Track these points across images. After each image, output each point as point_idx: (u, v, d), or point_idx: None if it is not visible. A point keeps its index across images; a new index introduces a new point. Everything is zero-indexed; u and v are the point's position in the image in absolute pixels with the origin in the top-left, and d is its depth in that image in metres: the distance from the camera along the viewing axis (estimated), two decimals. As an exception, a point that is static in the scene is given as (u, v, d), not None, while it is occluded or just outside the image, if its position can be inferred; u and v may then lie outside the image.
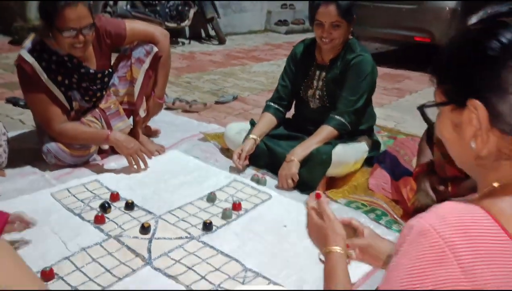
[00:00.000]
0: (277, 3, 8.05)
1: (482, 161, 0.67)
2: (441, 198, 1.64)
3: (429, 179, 1.73)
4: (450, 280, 0.57)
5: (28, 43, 2.03)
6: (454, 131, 0.70)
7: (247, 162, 2.20)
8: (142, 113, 2.37)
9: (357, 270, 1.41)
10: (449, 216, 0.61)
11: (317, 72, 2.24)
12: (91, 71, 2.16)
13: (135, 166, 2.14)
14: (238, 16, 7.15)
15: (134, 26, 2.28)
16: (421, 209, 1.61)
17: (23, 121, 2.74)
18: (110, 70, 2.26)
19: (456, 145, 0.71)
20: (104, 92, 2.28)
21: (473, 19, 1.57)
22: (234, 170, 2.20)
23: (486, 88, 0.63)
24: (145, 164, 2.17)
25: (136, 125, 2.39)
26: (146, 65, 2.28)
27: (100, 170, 2.15)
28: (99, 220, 1.69)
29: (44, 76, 2.01)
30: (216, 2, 6.12)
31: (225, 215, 1.80)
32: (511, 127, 0.63)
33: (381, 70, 4.99)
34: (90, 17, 1.97)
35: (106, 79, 2.25)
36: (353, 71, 2.11)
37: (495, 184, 0.66)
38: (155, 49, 2.28)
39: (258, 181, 2.10)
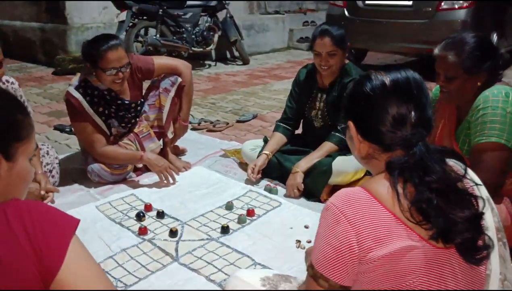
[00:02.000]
0: (298, 21, 8.39)
1: (364, 159, 1.07)
2: None
3: None
4: (343, 231, 0.92)
5: (74, 81, 2.43)
6: (349, 141, 1.09)
7: (259, 175, 2.50)
8: (170, 135, 2.75)
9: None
10: (341, 195, 0.96)
11: (319, 95, 2.54)
12: (126, 102, 2.55)
13: (165, 181, 2.49)
14: (261, 35, 7.51)
15: (160, 61, 2.68)
16: None
17: (69, 145, 3.15)
18: (142, 100, 2.66)
19: (351, 149, 1.10)
20: (137, 119, 2.66)
21: (436, 50, 1.81)
22: (249, 181, 2.52)
23: (356, 115, 1.04)
24: (173, 179, 2.52)
25: (166, 146, 2.76)
26: (172, 93, 2.67)
27: (135, 185, 2.52)
28: (142, 232, 2.01)
29: (88, 109, 2.41)
30: (240, 24, 6.51)
31: (240, 220, 2.11)
32: (371, 138, 1.02)
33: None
34: (127, 57, 2.38)
35: (139, 108, 2.64)
36: None
37: (377, 174, 1.03)
38: (179, 79, 2.67)
39: (270, 191, 2.42)
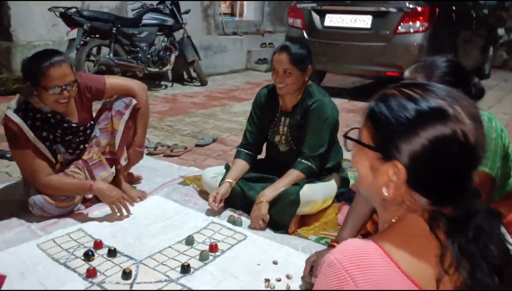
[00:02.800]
0: (256, 43, 8.35)
1: (385, 202, 0.83)
2: None
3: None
4: None
5: (13, 103, 2.17)
6: (370, 171, 0.83)
7: (222, 205, 2.32)
8: (123, 162, 2.51)
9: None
10: (349, 250, 0.77)
11: (282, 119, 2.41)
12: (73, 125, 2.31)
13: (118, 214, 2.26)
14: (219, 56, 7.39)
15: (113, 81, 2.46)
16: None
17: (10, 173, 2.85)
18: (92, 122, 2.42)
19: (368, 183, 0.85)
20: (86, 145, 2.42)
21: (406, 73, 1.76)
22: (211, 211, 2.33)
23: (414, 159, 0.76)
24: (128, 211, 2.29)
25: (119, 174, 2.52)
26: (125, 116, 2.44)
27: (84, 218, 2.26)
28: (90, 274, 1.77)
29: (30, 134, 2.15)
30: (197, 44, 6.36)
31: (202, 257, 1.92)
32: (420, 190, 0.78)
33: (357, 104, 5.24)
34: (72, 74, 2.15)
35: (88, 131, 2.40)
36: (313, 116, 2.27)
37: (393, 220, 0.82)
38: (134, 101, 2.45)
39: (234, 222, 2.23)
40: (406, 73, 1.72)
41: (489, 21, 7.30)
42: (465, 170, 0.77)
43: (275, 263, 1.89)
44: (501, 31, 8.87)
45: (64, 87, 2.11)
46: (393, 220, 0.82)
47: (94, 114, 2.50)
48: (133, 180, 2.75)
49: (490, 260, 0.73)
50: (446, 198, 0.77)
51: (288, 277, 1.79)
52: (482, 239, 0.74)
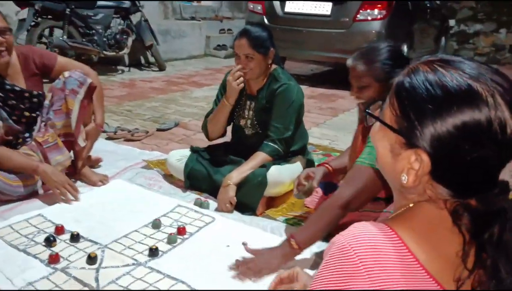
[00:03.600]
0: (215, 29, 8.25)
1: (404, 189, 0.74)
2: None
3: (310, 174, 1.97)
4: (360, 287, 0.68)
5: None
6: (390, 155, 0.75)
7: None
8: (81, 142, 2.38)
9: None
10: (364, 236, 0.70)
11: (248, 102, 2.39)
12: (17, 88, 2.20)
13: (62, 198, 2.16)
14: (177, 41, 7.25)
15: (65, 60, 2.38)
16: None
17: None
18: (40, 92, 2.29)
19: (386, 164, 0.77)
20: (34, 115, 2.28)
21: (348, 61, 1.80)
22: (177, 195, 2.28)
23: (439, 151, 0.68)
24: (75, 196, 2.19)
25: (78, 157, 2.42)
26: (80, 96, 2.31)
27: (43, 204, 2.16)
28: (53, 260, 1.68)
29: None
30: (155, 29, 6.21)
31: (170, 240, 1.88)
32: (443, 183, 0.70)
33: (316, 90, 5.29)
34: (5, 22, 2.11)
35: (35, 100, 2.27)
36: (279, 100, 2.26)
37: (411, 205, 0.74)
38: (89, 80, 2.33)
39: (201, 205, 2.20)
40: (348, 62, 1.76)
41: (442, 12, 7.54)
42: (496, 163, 0.68)
43: (244, 244, 1.88)
44: (452, 22, 9.20)
45: None
46: (411, 205, 0.75)
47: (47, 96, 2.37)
48: (93, 163, 2.64)
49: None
50: (472, 191, 0.69)
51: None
52: (508, 237, 0.68)
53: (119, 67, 6.09)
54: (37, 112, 2.31)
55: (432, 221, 0.72)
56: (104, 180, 2.42)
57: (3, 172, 2.11)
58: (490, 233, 0.68)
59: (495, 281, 0.67)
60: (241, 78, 2.24)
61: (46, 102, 2.33)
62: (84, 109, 2.35)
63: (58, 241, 1.83)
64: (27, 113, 2.27)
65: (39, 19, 4.85)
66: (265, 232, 1.99)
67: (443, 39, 7.79)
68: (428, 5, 6.49)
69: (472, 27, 9.36)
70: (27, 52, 2.26)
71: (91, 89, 2.35)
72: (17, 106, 2.21)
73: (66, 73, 2.30)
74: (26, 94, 2.23)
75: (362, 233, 0.71)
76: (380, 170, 0.82)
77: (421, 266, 0.68)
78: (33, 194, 2.20)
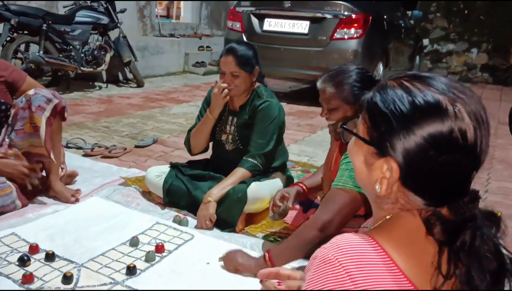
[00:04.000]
0: (194, 46, 8.28)
1: (379, 199, 0.79)
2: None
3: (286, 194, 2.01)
4: None
5: None
6: (364, 165, 0.80)
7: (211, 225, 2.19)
8: (54, 157, 2.29)
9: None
10: (347, 246, 0.72)
11: (230, 118, 2.40)
12: None
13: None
14: (156, 58, 7.24)
15: (35, 83, 2.38)
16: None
17: None
18: (4, 106, 2.26)
19: (362, 176, 0.81)
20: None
21: (318, 83, 1.84)
22: (155, 212, 2.26)
23: (406, 158, 0.72)
24: (34, 186, 2.21)
25: (49, 174, 2.36)
26: (47, 113, 2.25)
27: (17, 222, 2.10)
28: (27, 280, 1.64)
29: None
30: (133, 45, 6.19)
31: (149, 258, 1.85)
32: (414, 190, 0.74)
33: (295, 107, 5.34)
34: None
35: (2, 107, 2.24)
36: (260, 116, 2.28)
37: (388, 217, 0.78)
38: (56, 100, 2.28)
39: (180, 222, 2.18)
40: (318, 84, 1.79)
41: (416, 32, 7.75)
42: (463, 172, 0.72)
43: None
44: (426, 41, 9.46)
45: None
46: (388, 217, 0.78)
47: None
48: (67, 179, 2.59)
49: (486, 266, 0.70)
50: (442, 199, 0.73)
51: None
52: (479, 244, 0.71)
53: (96, 84, 6.03)
54: (4, 125, 2.27)
55: (409, 231, 0.75)
56: (76, 194, 2.37)
57: None
58: (462, 240, 0.70)
59: (466, 284, 0.69)
60: (226, 91, 2.25)
61: (10, 120, 2.29)
62: (50, 127, 2.28)
63: (32, 260, 1.78)
64: None
65: (15, 34, 4.78)
66: (245, 249, 1.97)
67: (417, 58, 7.99)
68: (402, 24, 6.66)
69: (445, 47, 9.64)
70: None
71: (57, 108, 2.29)
72: None
73: (32, 91, 2.26)
74: None
75: (345, 244, 0.72)
76: (359, 184, 0.85)
77: (402, 273, 0.70)
78: (8, 209, 2.15)
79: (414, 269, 0.71)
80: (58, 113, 2.32)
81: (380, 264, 0.70)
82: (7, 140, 2.24)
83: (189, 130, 2.49)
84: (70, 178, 2.61)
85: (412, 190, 0.74)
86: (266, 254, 1.66)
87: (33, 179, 2.20)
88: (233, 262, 1.75)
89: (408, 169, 0.73)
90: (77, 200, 2.35)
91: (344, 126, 0.89)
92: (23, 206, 2.22)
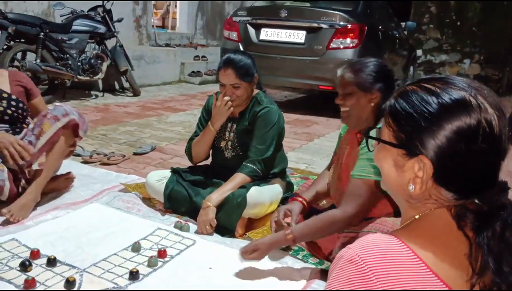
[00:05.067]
0: (190, 55, 8.31)
1: (412, 199, 0.79)
2: None
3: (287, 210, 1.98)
4: None
5: None
6: (394, 169, 0.80)
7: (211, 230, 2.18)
8: (35, 166, 2.24)
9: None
10: (372, 246, 0.72)
11: (229, 125, 2.41)
12: None
13: (11, 162, 2.14)
14: (152, 67, 7.25)
15: (43, 102, 2.59)
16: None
17: None
18: (22, 104, 2.38)
19: (393, 180, 0.82)
20: (11, 114, 2.34)
21: (338, 71, 1.89)
22: (156, 218, 2.25)
23: (439, 154, 0.74)
24: (25, 156, 2.15)
25: (30, 182, 2.27)
26: (60, 123, 2.28)
27: (17, 228, 2.09)
28: (29, 284, 1.63)
29: None
30: (130, 54, 6.20)
31: (151, 263, 1.84)
32: (447, 185, 0.75)
33: (291, 116, 5.36)
34: None
35: (13, 103, 2.35)
36: (260, 122, 2.30)
37: (417, 216, 0.78)
38: (72, 115, 2.32)
39: (181, 228, 2.17)
40: (339, 71, 1.87)
41: (410, 43, 7.83)
42: (491, 161, 0.74)
43: (227, 266, 1.86)
44: (419, 52, 9.56)
45: None
46: (416, 217, 0.78)
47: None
48: (65, 184, 2.54)
49: None
50: (473, 191, 0.74)
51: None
52: (510, 233, 0.71)
53: (92, 92, 6.02)
54: (14, 114, 2.36)
55: (438, 228, 0.75)
56: (69, 178, 2.46)
57: None
58: (493, 230, 0.71)
59: (497, 275, 0.69)
60: (230, 103, 2.26)
61: (31, 125, 2.35)
62: (57, 137, 2.29)
63: (34, 265, 1.77)
64: (0, 108, 2.31)
65: (12, 42, 4.77)
66: (247, 254, 1.97)
67: (411, 68, 8.06)
68: (396, 35, 6.73)
69: (438, 58, 9.75)
70: (19, 73, 2.52)
71: (72, 124, 2.32)
72: None
73: (58, 103, 2.40)
74: (4, 95, 2.33)
75: (371, 244, 0.73)
76: (387, 189, 0.86)
77: (431, 271, 0.70)
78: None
79: (446, 267, 0.71)
80: (71, 129, 2.34)
81: (408, 263, 0.70)
82: (26, 141, 2.24)
83: (190, 139, 2.50)
84: (67, 181, 2.58)
85: (445, 184, 0.75)
86: (288, 230, 1.73)
87: (18, 159, 2.14)
88: (252, 245, 1.78)
89: (441, 164, 0.74)
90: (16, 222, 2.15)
91: (369, 135, 0.91)
92: (11, 193, 2.18)
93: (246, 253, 1.76)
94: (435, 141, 0.74)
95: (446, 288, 0.69)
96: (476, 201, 0.74)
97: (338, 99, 1.85)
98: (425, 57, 9.81)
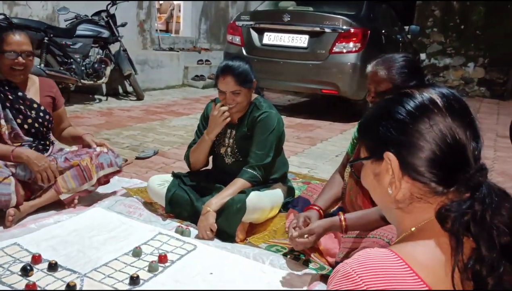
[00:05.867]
0: (193, 59, 8.33)
1: (399, 204, 0.80)
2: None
3: (304, 219, 1.90)
4: None
5: None
6: (375, 180, 0.84)
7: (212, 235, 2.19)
8: (63, 196, 2.39)
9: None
10: (368, 262, 0.72)
11: (228, 131, 2.41)
12: (29, 97, 2.36)
13: (43, 183, 2.29)
14: (155, 71, 7.27)
15: (65, 113, 2.63)
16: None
17: None
18: (48, 116, 2.42)
19: (377, 191, 0.85)
20: (38, 126, 2.38)
21: (369, 68, 1.88)
22: (157, 223, 2.26)
23: (397, 144, 0.79)
24: (53, 179, 2.31)
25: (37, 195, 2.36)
26: (102, 172, 2.46)
27: (19, 232, 2.10)
28: (30, 289, 1.64)
29: None
30: (133, 59, 6.22)
31: (152, 268, 1.84)
32: (418, 174, 0.77)
33: (294, 120, 5.37)
34: (30, 45, 2.30)
35: (41, 114, 2.39)
36: (260, 128, 2.29)
37: (413, 229, 0.78)
38: (117, 168, 2.53)
39: (182, 232, 2.18)
40: (369, 68, 1.87)
41: (413, 46, 7.83)
42: (453, 140, 0.76)
43: (228, 271, 1.86)
44: (422, 56, 9.55)
45: (20, 54, 2.22)
46: (413, 229, 0.79)
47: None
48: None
49: (497, 236, 0.69)
50: (447, 176, 0.75)
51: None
52: (491, 214, 0.70)
53: (96, 96, 6.05)
54: (41, 128, 2.40)
55: (435, 242, 0.74)
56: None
57: None
58: (473, 212, 0.71)
59: (475, 260, 0.69)
60: (227, 113, 2.26)
61: (67, 149, 2.56)
62: (97, 185, 2.49)
63: (35, 270, 1.78)
64: (29, 121, 2.35)
65: (16, 47, 4.81)
66: (248, 259, 1.97)
67: (415, 72, 8.04)
68: (400, 39, 6.73)
69: (442, 61, 9.72)
70: (48, 80, 2.55)
71: (114, 173, 2.54)
72: (23, 111, 2.34)
73: (105, 149, 2.53)
74: (35, 105, 2.38)
75: (366, 259, 0.73)
76: (378, 204, 0.90)
77: (427, 287, 0.69)
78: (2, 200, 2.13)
79: (443, 282, 0.70)
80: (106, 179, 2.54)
81: (404, 278, 0.69)
82: (51, 157, 2.40)
83: (189, 147, 2.50)
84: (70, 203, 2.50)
85: (417, 175, 0.77)
86: (343, 217, 1.77)
87: (46, 182, 2.31)
88: (309, 226, 1.80)
89: (403, 152, 0.78)
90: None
91: (351, 163, 0.98)
92: (18, 204, 2.20)
93: (301, 236, 1.76)
94: (391, 132, 0.79)
95: None
96: (455, 189, 0.75)
97: (369, 96, 1.85)
98: (429, 60, 9.79)
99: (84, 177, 2.39)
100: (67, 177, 2.37)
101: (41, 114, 2.39)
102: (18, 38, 2.24)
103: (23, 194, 2.26)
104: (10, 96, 2.31)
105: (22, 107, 2.33)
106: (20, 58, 2.22)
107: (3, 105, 2.28)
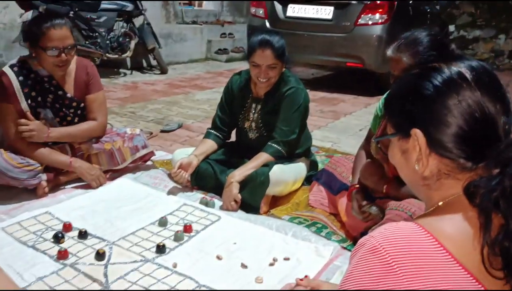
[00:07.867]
0: (216, 33, 8.29)
1: (427, 181, 0.80)
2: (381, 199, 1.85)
3: (358, 197, 1.89)
4: (395, 284, 0.68)
5: (13, 60, 2.22)
6: (402, 157, 0.83)
7: (186, 176, 2.28)
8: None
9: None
10: (394, 236, 0.71)
11: (253, 105, 2.40)
12: (68, 96, 2.32)
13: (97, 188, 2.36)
14: (179, 45, 7.28)
15: (101, 101, 2.43)
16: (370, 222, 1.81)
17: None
18: (79, 103, 2.38)
19: (404, 168, 0.84)
20: (75, 119, 2.39)
21: (390, 52, 1.78)
22: (183, 194, 2.31)
23: (424, 120, 0.77)
24: (104, 183, 2.40)
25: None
26: (138, 154, 2.53)
27: (50, 202, 2.18)
28: (62, 255, 1.71)
29: (18, 88, 2.16)
30: (157, 32, 6.24)
31: (177, 237, 1.90)
32: (445, 151, 0.76)
33: (317, 94, 5.32)
34: (71, 38, 2.20)
35: (79, 112, 2.39)
36: (287, 103, 2.28)
37: (440, 203, 0.77)
38: (149, 149, 2.59)
39: (206, 204, 2.22)
40: (389, 52, 1.74)
41: (442, 18, 7.58)
42: (484, 115, 0.73)
43: (251, 242, 1.90)
44: (451, 27, 9.25)
45: (62, 49, 2.13)
46: (440, 203, 0.78)
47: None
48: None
49: None
50: (475, 151, 0.74)
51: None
52: None
53: (121, 70, 6.11)
54: (75, 118, 2.40)
55: (462, 214, 0.73)
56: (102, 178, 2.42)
57: (11, 153, 2.16)
58: (502, 188, 0.68)
59: (504, 236, 0.67)
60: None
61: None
62: (133, 163, 2.56)
63: (66, 237, 1.85)
64: (68, 118, 2.37)
65: (43, 21, 4.87)
66: (271, 230, 2.00)
67: (443, 44, 7.82)
68: (428, 10, 6.53)
69: (471, 33, 9.41)
70: (86, 63, 2.40)
71: (147, 156, 2.60)
72: (62, 109, 2.33)
73: (138, 131, 2.58)
74: (74, 104, 2.35)
75: (393, 233, 0.72)
76: (407, 183, 0.88)
77: (456, 260, 0.69)
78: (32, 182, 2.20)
79: (471, 256, 0.69)
80: (142, 160, 2.60)
81: (432, 253, 0.69)
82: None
83: (213, 121, 2.52)
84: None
85: (444, 152, 0.76)
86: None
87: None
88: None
89: (430, 129, 0.77)
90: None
91: (377, 140, 0.96)
92: (48, 179, 2.27)
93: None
94: (418, 108, 0.78)
95: (471, 278, 0.68)
96: (484, 165, 0.73)
97: (393, 80, 1.72)
98: (458, 33, 9.48)
99: (116, 160, 2.46)
100: (101, 159, 2.45)
101: (79, 111, 2.38)
102: (60, 33, 2.10)
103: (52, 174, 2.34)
104: (50, 95, 2.27)
105: (61, 106, 2.32)
106: (63, 55, 2.13)
107: (43, 105, 2.26)
